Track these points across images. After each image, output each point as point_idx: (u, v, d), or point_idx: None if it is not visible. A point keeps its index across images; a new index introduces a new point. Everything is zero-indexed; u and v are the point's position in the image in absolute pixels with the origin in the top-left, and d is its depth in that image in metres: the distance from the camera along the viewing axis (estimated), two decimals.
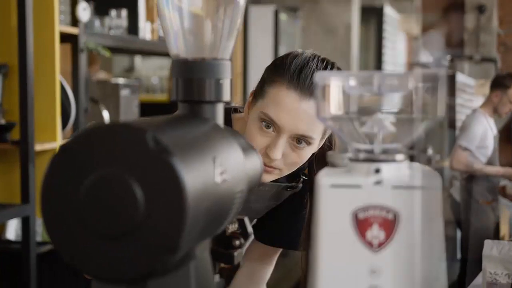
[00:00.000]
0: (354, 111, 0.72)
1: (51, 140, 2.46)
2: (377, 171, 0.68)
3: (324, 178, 0.68)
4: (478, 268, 4.70)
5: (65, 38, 2.60)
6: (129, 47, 3.07)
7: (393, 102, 0.73)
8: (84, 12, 2.61)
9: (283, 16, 4.89)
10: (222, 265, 0.96)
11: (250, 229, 0.88)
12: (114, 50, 3.21)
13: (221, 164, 0.69)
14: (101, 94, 3.00)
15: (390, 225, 0.67)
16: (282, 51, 5.80)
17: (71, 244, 0.62)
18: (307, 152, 1.26)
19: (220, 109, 0.81)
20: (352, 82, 0.69)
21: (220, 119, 0.80)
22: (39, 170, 2.39)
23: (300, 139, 1.23)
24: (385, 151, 0.70)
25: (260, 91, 1.26)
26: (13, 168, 2.41)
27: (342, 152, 0.78)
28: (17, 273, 2.36)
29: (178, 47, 0.81)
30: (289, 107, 1.21)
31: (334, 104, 0.71)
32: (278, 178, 1.36)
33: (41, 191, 0.62)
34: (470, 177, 4.28)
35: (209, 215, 0.66)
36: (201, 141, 0.69)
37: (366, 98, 0.73)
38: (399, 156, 0.70)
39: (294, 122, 1.21)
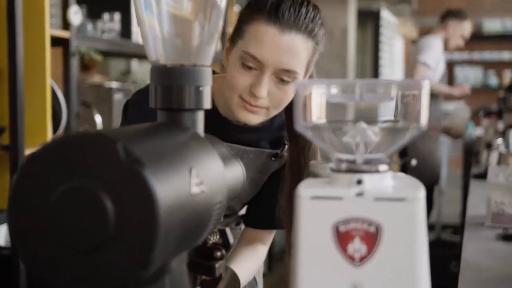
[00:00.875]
0: (336, 120, 0.70)
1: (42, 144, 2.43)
2: (359, 182, 0.66)
3: (304, 190, 0.66)
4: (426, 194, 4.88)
5: (57, 41, 2.57)
6: (122, 50, 3.05)
7: (376, 110, 0.71)
8: (75, 15, 2.58)
9: None
10: (204, 277, 0.94)
11: (231, 239, 0.85)
12: (107, 53, 3.18)
13: (198, 175, 0.66)
14: (95, 98, 2.98)
15: (372, 238, 0.64)
16: None
17: (40, 257, 0.59)
18: (291, 88, 1.24)
19: (200, 117, 0.79)
20: (334, 90, 0.67)
21: (200, 128, 0.78)
22: None
23: (283, 76, 1.21)
24: (368, 161, 0.68)
25: (238, 32, 1.25)
26: (3, 173, 2.39)
27: (324, 162, 0.75)
28: (7, 278, 2.34)
29: (157, 53, 0.79)
30: (270, 42, 1.19)
31: (315, 113, 0.69)
32: (262, 145, 1.37)
33: (8, 202, 0.60)
34: None
35: (184, 227, 0.64)
36: (178, 151, 0.66)
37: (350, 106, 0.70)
38: (382, 167, 0.68)
39: (276, 57, 1.20)
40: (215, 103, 1.36)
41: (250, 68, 1.21)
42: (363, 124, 0.68)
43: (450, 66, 10.17)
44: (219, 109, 1.36)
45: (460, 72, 10.07)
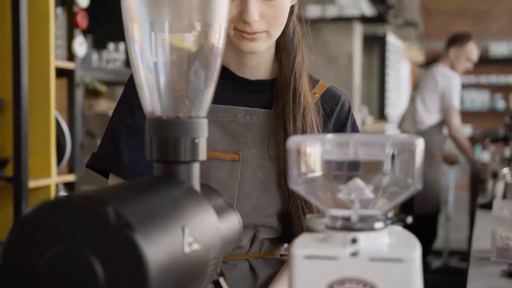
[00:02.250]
0: (330, 176, 0.69)
1: (46, 176, 2.44)
2: (354, 241, 0.65)
3: (299, 249, 0.65)
4: (426, 223, 4.73)
5: (62, 72, 2.58)
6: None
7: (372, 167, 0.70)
8: (80, 46, 2.60)
9: None
10: None
11: None
12: (112, 83, 3.20)
13: (191, 233, 0.66)
14: (100, 126, 2.99)
15: None
16: None
17: None
18: (283, 1, 1.18)
19: (196, 169, 0.78)
20: (328, 147, 0.67)
21: (195, 180, 0.78)
22: None
23: None
24: (363, 218, 0.67)
25: None
26: (6, 205, 2.39)
27: (319, 217, 0.75)
28: None
29: (153, 104, 0.79)
30: None
31: (309, 169, 0.68)
32: None
33: None
34: (428, 131, 4.43)
35: (177, 287, 0.63)
36: (170, 209, 0.66)
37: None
38: (378, 224, 0.67)
39: None
40: (225, 64, 1.29)
41: None
42: (358, 181, 0.67)
43: None
44: (231, 68, 1.29)
45: (467, 96, 10.06)
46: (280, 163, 1.24)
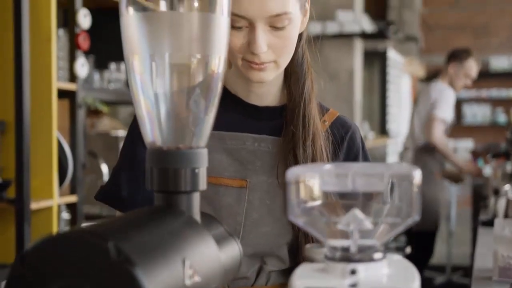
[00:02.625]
0: (329, 206, 0.70)
1: (48, 197, 2.44)
2: (353, 272, 0.65)
3: (298, 280, 0.66)
4: (426, 240, 4.68)
5: (63, 93, 2.60)
6: (129, 100, 3.08)
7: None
8: (82, 68, 2.61)
9: None
10: None
11: None
12: (114, 102, 3.21)
13: (191, 265, 0.66)
14: (102, 146, 3.00)
15: None
16: None
17: None
18: (291, 31, 1.17)
19: (196, 199, 0.79)
20: (326, 178, 0.67)
21: (196, 209, 0.78)
22: (35, 229, 2.36)
23: (276, 23, 1.14)
24: (362, 249, 0.68)
25: None
26: (8, 227, 2.39)
27: (319, 246, 0.75)
28: None
29: (153, 135, 0.80)
30: None
31: (308, 200, 0.69)
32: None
33: None
34: (425, 148, 4.36)
35: None
36: (170, 242, 0.66)
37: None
38: (377, 255, 0.67)
39: (259, 6, 1.12)
40: (233, 91, 1.28)
41: (240, 28, 1.14)
42: (357, 212, 0.68)
43: (458, 103, 10.19)
44: (239, 95, 1.28)
45: (468, 110, 10.08)
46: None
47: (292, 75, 1.28)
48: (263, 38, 1.14)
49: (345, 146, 1.30)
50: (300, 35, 1.25)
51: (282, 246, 1.25)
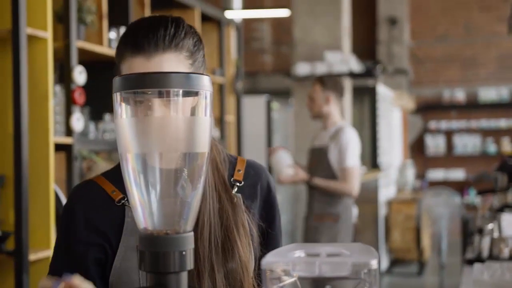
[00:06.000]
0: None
1: (46, 248, 2.53)
2: None
3: None
4: None
5: (60, 147, 2.70)
6: None
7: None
8: (78, 122, 2.72)
9: (275, 105, 5.02)
10: None
11: None
12: (109, 151, 3.32)
13: None
14: None
15: None
16: (276, 138, 5.93)
17: None
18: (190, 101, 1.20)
19: (184, 278, 0.89)
20: (297, 267, 0.77)
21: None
22: (33, 280, 2.44)
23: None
24: None
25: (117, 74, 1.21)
26: (7, 278, 2.47)
27: None
28: None
29: (145, 222, 0.90)
30: (139, 70, 1.18)
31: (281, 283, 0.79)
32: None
33: None
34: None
35: None
36: None
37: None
38: None
39: None
40: None
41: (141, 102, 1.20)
42: None
43: (449, 134, 10.36)
44: None
45: (459, 140, 10.22)
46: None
47: None
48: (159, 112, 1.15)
49: (258, 188, 1.35)
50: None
51: None
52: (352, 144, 3.89)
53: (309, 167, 4.04)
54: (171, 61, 1.21)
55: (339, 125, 3.96)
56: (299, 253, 0.80)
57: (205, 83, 0.89)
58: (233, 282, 1.23)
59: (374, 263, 0.76)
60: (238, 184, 1.32)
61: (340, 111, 4.00)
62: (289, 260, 0.78)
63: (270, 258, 0.79)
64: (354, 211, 4.11)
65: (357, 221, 4.47)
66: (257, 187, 1.36)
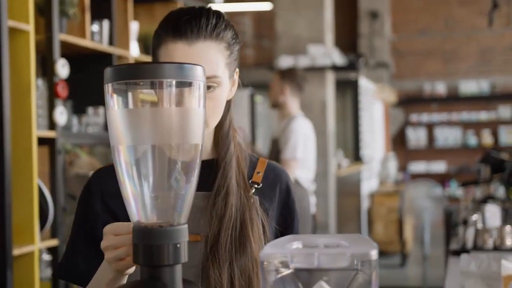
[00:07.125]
0: (298, 281, 0.79)
1: (29, 243, 2.50)
2: None
3: None
4: None
5: (43, 140, 2.67)
6: (106, 142, 3.15)
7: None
8: (61, 116, 2.69)
9: (258, 98, 5.01)
10: None
11: None
12: (92, 145, 3.29)
13: None
14: (80, 188, 3.05)
15: None
16: (260, 132, 5.92)
17: None
18: (219, 94, 1.23)
19: (178, 270, 0.88)
20: (295, 259, 0.76)
21: (178, 281, 0.87)
22: (17, 275, 2.41)
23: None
24: None
25: (153, 59, 1.25)
26: None
27: None
28: None
29: (139, 215, 0.89)
30: (180, 55, 1.19)
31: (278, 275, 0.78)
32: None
33: None
34: None
35: None
36: None
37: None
38: None
39: None
40: None
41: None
42: (323, 284, 0.77)
43: (430, 127, 10.42)
44: None
45: (440, 133, 10.28)
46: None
47: (220, 140, 1.32)
48: None
49: (277, 191, 1.36)
50: (228, 103, 1.31)
51: None
52: (294, 136, 3.87)
53: (269, 157, 4.07)
54: (212, 49, 1.22)
55: (292, 116, 3.98)
56: (297, 244, 0.79)
57: (199, 74, 0.88)
58: (243, 277, 1.23)
59: (373, 254, 0.76)
60: (256, 186, 1.31)
61: (297, 104, 4.03)
62: (287, 251, 0.77)
63: (268, 250, 0.78)
64: (312, 200, 4.10)
65: (316, 211, 4.45)
66: (276, 189, 1.35)
